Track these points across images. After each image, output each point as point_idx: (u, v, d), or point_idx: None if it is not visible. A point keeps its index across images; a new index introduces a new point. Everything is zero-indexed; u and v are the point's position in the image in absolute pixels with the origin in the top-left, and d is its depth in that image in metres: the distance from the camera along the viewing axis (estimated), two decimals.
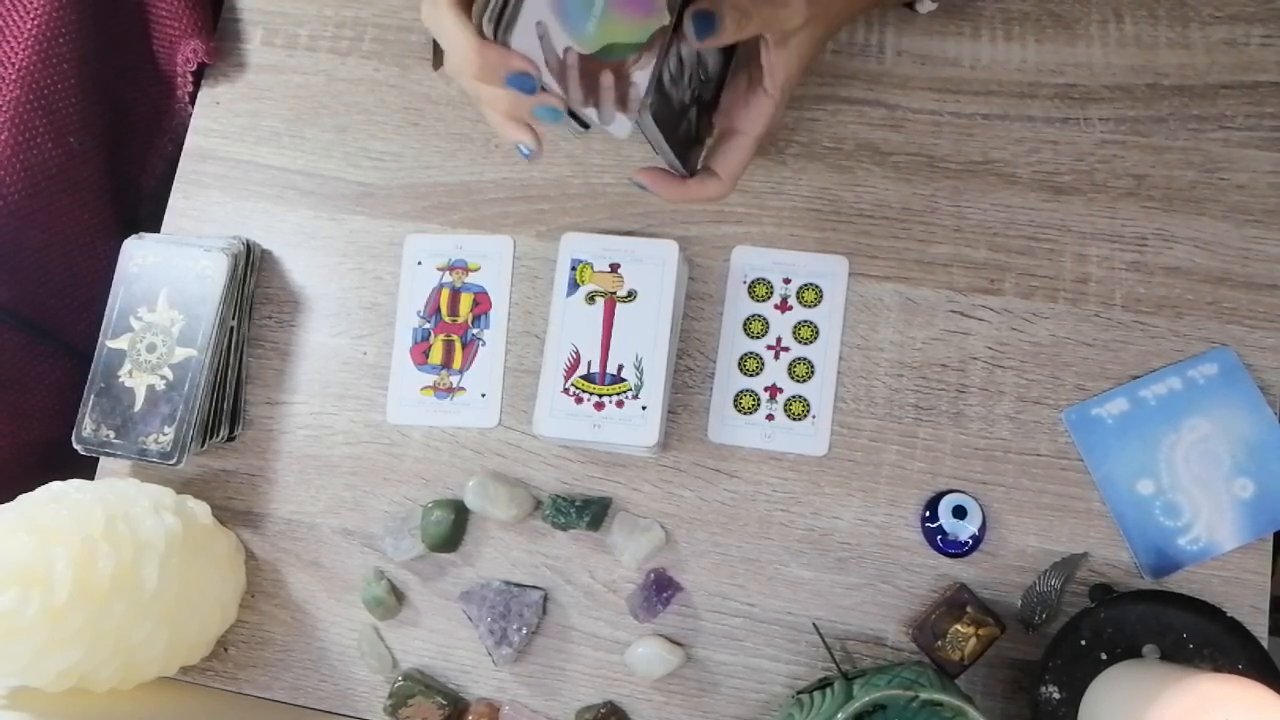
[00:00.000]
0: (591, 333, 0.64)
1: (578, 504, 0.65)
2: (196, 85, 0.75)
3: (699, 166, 0.59)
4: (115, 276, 0.68)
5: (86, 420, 0.66)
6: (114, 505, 0.59)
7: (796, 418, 0.66)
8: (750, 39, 0.52)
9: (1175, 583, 0.62)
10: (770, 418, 0.66)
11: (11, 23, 0.67)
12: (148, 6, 0.74)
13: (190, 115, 0.75)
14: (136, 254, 0.69)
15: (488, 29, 0.46)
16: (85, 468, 0.70)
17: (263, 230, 0.73)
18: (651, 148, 0.56)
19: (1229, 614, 0.57)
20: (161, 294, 0.68)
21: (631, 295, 0.64)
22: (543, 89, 0.47)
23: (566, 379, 0.63)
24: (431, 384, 0.69)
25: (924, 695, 0.53)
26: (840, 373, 0.66)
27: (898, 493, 0.65)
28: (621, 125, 0.50)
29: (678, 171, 0.58)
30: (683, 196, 0.58)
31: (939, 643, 0.60)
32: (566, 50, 0.47)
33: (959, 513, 0.62)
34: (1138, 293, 0.65)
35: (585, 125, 0.53)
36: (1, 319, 0.67)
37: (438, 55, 0.51)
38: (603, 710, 0.64)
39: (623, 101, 0.50)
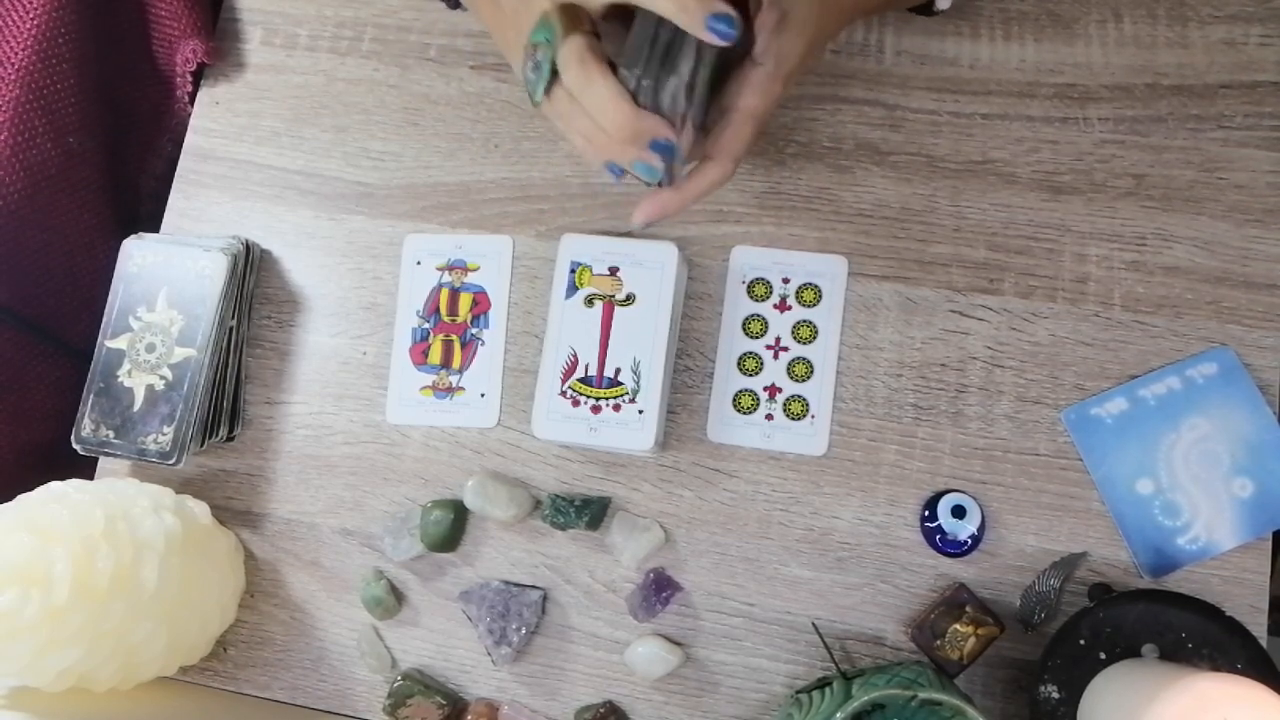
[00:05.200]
0: (589, 336, 0.64)
1: (577, 504, 0.65)
2: (196, 85, 0.75)
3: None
4: (114, 276, 0.68)
5: (86, 420, 0.67)
6: (113, 505, 0.59)
7: (796, 417, 0.66)
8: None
9: (1174, 582, 0.62)
10: (769, 417, 0.66)
11: (11, 23, 0.67)
12: (147, 6, 0.74)
13: (190, 115, 0.75)
14: (136, 254, 0.69)
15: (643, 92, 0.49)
16: (85, 468, 0.70)
17: (262, 230, 0.73)
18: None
19: (1228, 613, 0.57)
20: (161, 294, 0.68)
21: (630, 299, 0.64)
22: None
23: (563, 381, 0.63)
24: (431, 384, 0.69)
25: (923, 695, 0.53)
26: (839, 372, 0.66)
27: (897, 492, 0.65)
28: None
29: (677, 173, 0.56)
30: (684, 201, 0.55)
31: (938, 642, 0.60)
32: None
33: (958, 512, 0.62)
34: (1137, 292, 0.65)
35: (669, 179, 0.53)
36: (1, 319, 0.67)
37: (543, 93, 0.51)
38: (602, 710, 0.64)
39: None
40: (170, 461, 0.65)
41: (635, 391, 0.63)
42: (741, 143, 0.53)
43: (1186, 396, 0.63)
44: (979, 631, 0.60)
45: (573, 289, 0.65)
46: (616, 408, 0.63)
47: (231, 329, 0.69)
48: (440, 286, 0.70)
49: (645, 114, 0.48)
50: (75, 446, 0.67)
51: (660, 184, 0.52)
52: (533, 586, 0.66)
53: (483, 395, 0.69)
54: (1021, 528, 0.63)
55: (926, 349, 0.66)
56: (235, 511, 0.70)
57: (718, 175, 0.54)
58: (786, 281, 0.67)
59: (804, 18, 0.52)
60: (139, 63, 0.75)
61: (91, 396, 0.67)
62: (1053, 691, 0.57)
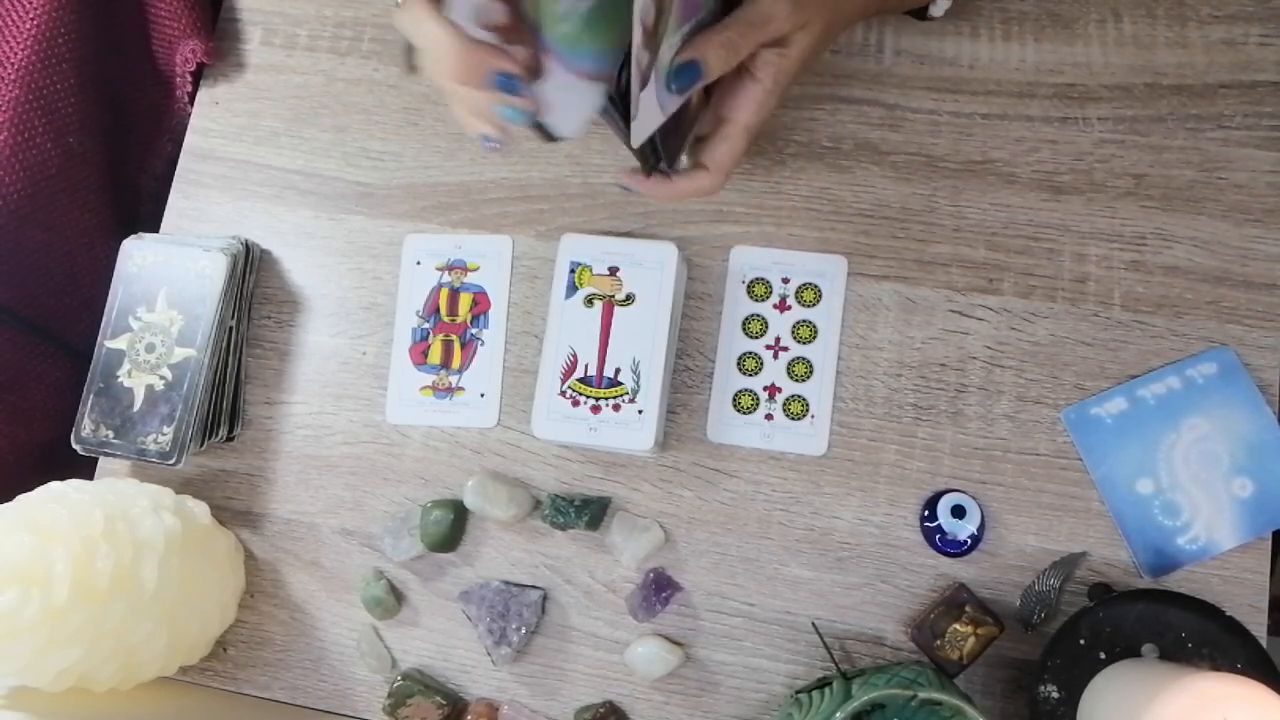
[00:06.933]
0: (589, 336, 0.64)
1: (577, 504, 0.65)
2: (195, 85, 0.75)
3: (683, 162, 0.57)
4: (114, 276, 0.68)
5: (86, 420, 0.67)
6: (113, 505, 0.59)
7: (795, 417, 0.66)
8: None
9: (1174, 582, 0.62)
10: (769, 417, 0.66)
11: (11, 23, 0.67)
12: (147, 6, 0.74)
13: (189, 115, 0.75)
14: (136, 254, 0.69)
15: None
16: (84, 468, 0.70)
17: (262, 230, 0.73)
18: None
19: (1228, 613, 0.57)
20: (160, 294, 0.68)
21: (630, 299, 0.64)
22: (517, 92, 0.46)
23: (563, 381, 0.63)
24: (430, 384, 0.69)
25: (923, 694, 0.53)
26: (839, 372, 0.66)
27: (897, 492, 0.65)
28: (570, 124, 0.49)
29: (650, 166, 0.55)
30: (671, 194, 0.56)
31: (938, 642, 0.60)
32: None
33: (958, 512, 0.62)
34: (1136, 292, 0.65)
35: (550, 136, 0.51)
36: (1, 319, 0.67)
37: (411, 58, 0.49)
38: (602, 710, 0.64)
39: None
40: (170, 461, 0.65)
41: (635, 391, 0.63)
42: (734, 157, 0.55)
43: (1186, 396, 0.63)
44: (979, 631, 0.60)
45: (572, 289, 0.65)
46: (616, 408, 0.63)
47: (231, 329, 0.69)
48: (440, 286, 0.70)
49: (476, 44, 0.45)
50: (75, 446, 0.67)
51: (533, 129, 0.50)
52: (533, 586, 0.66)
53: (482, 395, 0.69)
54: (1021, 528, 0.63)
55: (926, 349, 0.66)
56: (235, 511, 0.70)
57: (708, 185, 0.56)
58: (786, 281, 0.67)
59: (795, 39, 0.52)
60: (139, 63, 0.75)
61: (91, 396, 0.67)
62: (1052, 691, 0.57)
